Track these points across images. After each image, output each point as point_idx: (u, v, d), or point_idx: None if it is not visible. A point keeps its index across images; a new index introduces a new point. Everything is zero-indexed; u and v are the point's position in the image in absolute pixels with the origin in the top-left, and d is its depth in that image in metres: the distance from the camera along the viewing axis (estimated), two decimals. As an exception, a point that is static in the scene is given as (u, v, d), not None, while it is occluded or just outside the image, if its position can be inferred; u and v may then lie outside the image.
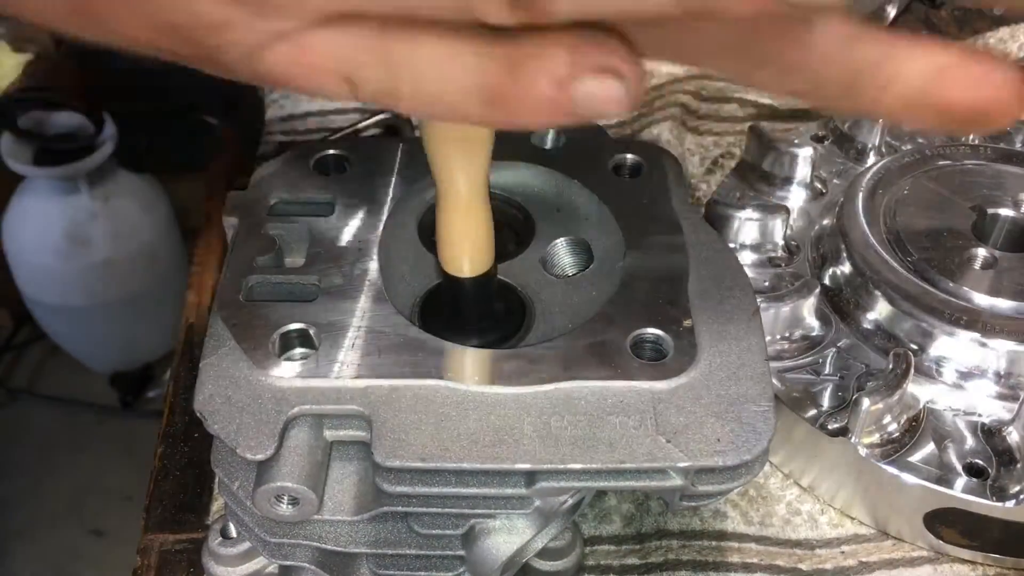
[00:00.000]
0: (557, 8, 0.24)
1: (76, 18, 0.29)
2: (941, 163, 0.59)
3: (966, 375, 0.51)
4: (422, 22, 0.26)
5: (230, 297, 0.42)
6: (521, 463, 0.37)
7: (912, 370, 0.48)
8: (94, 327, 1.66)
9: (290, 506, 0.38)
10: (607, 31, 0.25)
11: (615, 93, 0.25)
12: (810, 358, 0.53)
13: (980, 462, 0.48)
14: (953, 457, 0.48)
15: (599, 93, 0.25)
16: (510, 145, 0.45)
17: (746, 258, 0.57)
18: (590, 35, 0.25)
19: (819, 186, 0.62)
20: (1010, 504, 0.46)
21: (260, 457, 0.37)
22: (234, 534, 0.46)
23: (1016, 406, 0.49)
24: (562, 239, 0.47)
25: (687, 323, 0.41)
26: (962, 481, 0.47)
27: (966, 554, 0.49)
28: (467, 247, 0.40)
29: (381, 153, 0.49)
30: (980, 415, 0.50)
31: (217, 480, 0.51)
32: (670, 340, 0.40)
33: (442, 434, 0.37)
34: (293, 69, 0.28)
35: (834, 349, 0.53)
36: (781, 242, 0.58)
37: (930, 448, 0.48)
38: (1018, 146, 0.64)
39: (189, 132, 1.28)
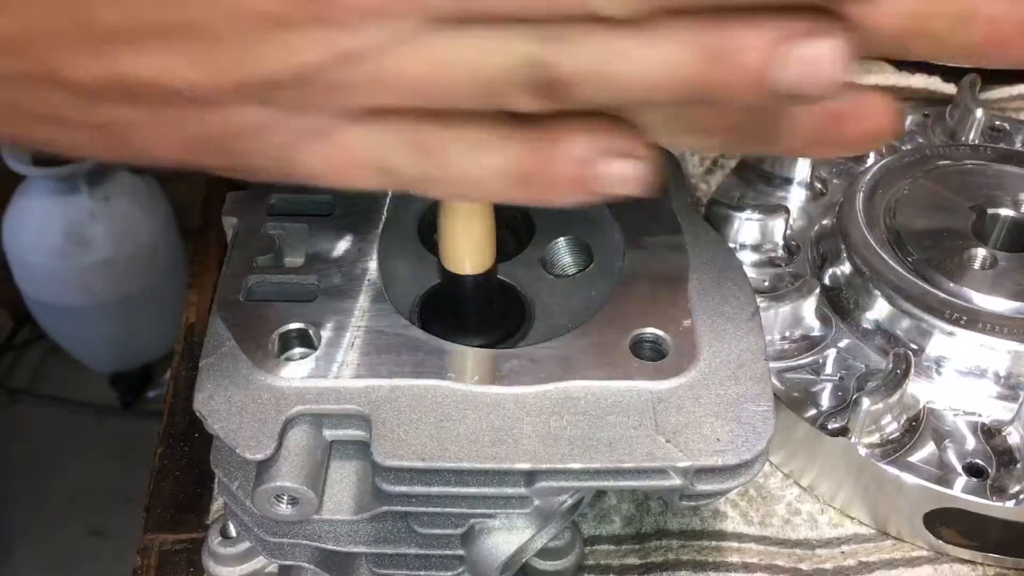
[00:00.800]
0: (578, 95, 0.26)
1: (103, 146, 0.30)
2: (941, 163, 0.59)
3: (966, 375, 0.51)
4: (453, 112, 0.27)
5: (230, 297, 0.42)
6: (521, 463, 0.37)
7: (912, 370, 0.48)
8: (94, 327, 1.66)
9: (290, 506, 0.38)
10: (622, 119, 0.27)
11: (633, 173, 0.27)
12: (810, 358, 0.53)
13: (980, 462, 0.48)
14: (953, 457, 0.48)
15: (620, 173, 0.27)
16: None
17: (746, 258, 0.57)
18: (609, 121, 0.27)
19: (819, 186, 0.62)
20: (1010, 504, 0.46)
21: (260, 457, 0.37)
22: (234, 534, 0.46)
23: (1016, 406, 0.49)
24: (562, 239, 0.47)
25: (687, 323, 0.41)
26: (962, 481, 0.47)
27: (966, 554, 0.49)
28: (469, 244, 0.40)
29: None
30: (980, 415, 0.50)
31: (217, 480, 0.51)
32: (670, 340, 0.40)
33: (442, 434, 0.37)
34: (327, 167, 0.28)
35: (834, 349, 0.53)
36: (781, 242, 0.58)
37: (930, 448, 0.48)
38: (1018, 146, 0.64)
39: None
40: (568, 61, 0.25)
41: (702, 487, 0.38)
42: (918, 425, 0.49)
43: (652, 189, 0.28)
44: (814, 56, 0.24)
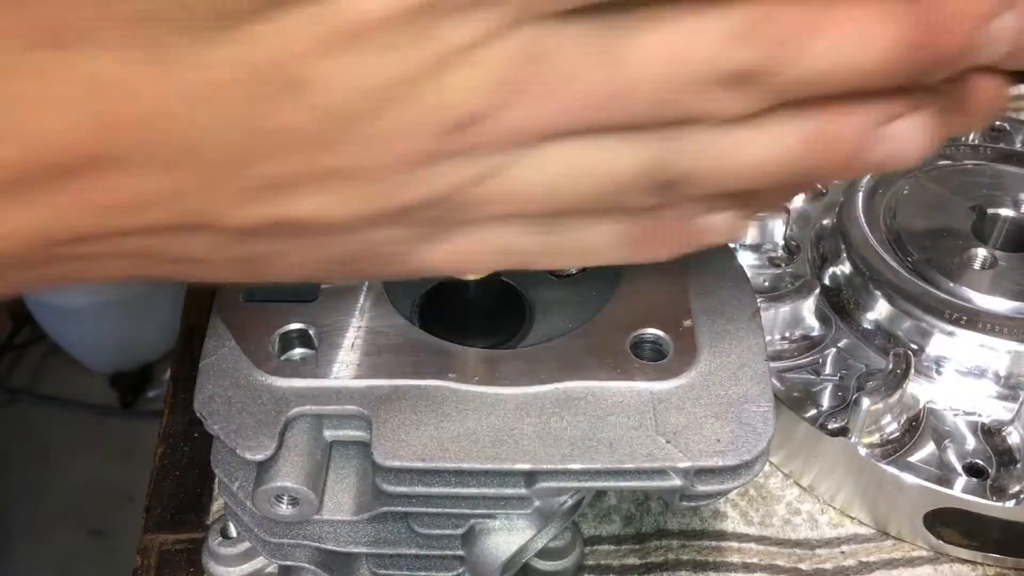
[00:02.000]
0: (693, 189, 0.27)
1: (231, 275, 0.30)
2: (941, 163, 0.59)
3: (966, 375, 0.51)
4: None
5: (230, 297, 0.42)
6: (521, 463, 0.37)
7: (912, 370, 0.48)
8: (94, 327, 1.66)
9: (290, 506, 0.38)
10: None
11: (733, 223, 0.30)
12: (810, 358, 0.53)
13: (980, 462, 0.48)
14: (953, 457, 0.48)
15: (721, 225, 0.29)
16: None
17: (746, 258, 0.57)
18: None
19: (819, 186, 0.62)
20: (1010, 504, 0.46)
21: (260, 457, 0.37)
22: (234, 534, 0.46)
23: (1016, 406, 0.49)
24: (562, 239, 0.47)
25: (687, 323, 0.41)
26: (962, 481, 0.47)
27: (966, 554, 0.49)
28: None
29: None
30: (980, 415, 0.50)
31: (217, 480, 0.51)
32: (670, 340, 0.40)
33: (442, 434, 0.37)
34: (451, 263, 0.29)
35: (834, 349, 0.53)
36: (781, 242, 0.58)
37: (930, 448, 0.48)
38: (1018, 146, 0.64)
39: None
40: (685, 161, 0.26)
41: (702, 488, 0.38)
42: (918, 425, 0.49)
43: (749, 234, 0.30)
44: (902, 133, 0.26)
